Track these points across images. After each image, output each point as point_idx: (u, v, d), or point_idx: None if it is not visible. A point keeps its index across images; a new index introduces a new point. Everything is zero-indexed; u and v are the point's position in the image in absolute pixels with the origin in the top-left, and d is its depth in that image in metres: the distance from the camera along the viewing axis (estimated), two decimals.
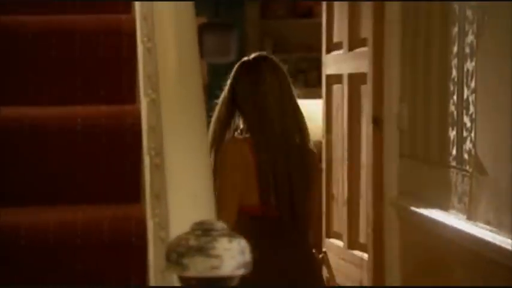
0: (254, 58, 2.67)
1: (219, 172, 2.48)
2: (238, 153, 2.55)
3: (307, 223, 2.65)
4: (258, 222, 2.54)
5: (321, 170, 2.91)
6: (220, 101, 2.67)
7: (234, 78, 2.65)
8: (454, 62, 2.44)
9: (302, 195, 2.57)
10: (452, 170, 2.45)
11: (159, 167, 1.59)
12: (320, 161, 3.02)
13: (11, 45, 2.18)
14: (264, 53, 2.73)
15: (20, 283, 1.74)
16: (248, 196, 2.53)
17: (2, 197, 1.95)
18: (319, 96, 4.06)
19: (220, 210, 1.96)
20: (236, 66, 2.69)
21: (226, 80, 2.70)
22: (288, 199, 2.53)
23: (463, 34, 2.38)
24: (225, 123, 2.63)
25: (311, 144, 2.67)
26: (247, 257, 1.17)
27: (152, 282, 1.59)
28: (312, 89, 5.71)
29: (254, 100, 2.59)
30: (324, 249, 3.59)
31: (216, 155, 2.55)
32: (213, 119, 2.65)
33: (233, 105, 2.64)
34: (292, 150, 2.59)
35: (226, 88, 2.67)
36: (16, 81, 2.15)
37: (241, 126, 2.65)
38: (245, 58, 2.70)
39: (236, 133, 2.66)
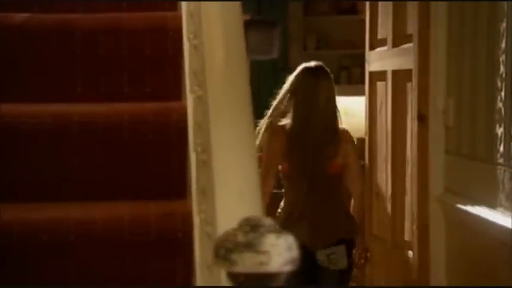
0: (315, 66, 3.51)
1: (266, 147, 3.42)
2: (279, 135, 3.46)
3: (335, 183, 3.39)
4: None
5: (353, 145, 3.50)
6: (282, 93, 3.48)
7: (296, 77, 3.47)
8: (502, 57, 2.40)
9: (323, 160, 3.37)
10: (499, 167, 2.41)
11: (205, 163, 1.60)
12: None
13: (58, 43, 2.21)
14: (320, 62, 3.54)
15: (69, 277, 1.77)
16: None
17: (50, 192, 1.98)
18: (362, 93, 4.03)
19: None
20: (299, 69, 3.51)
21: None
22: (312, 162, 3.38)
23: (511, 30, 2.34)
24: (280, 111, 3.46)
25: (343, 128, 3.47)
26: (295, 253, 1.16)
27: (198, 278, 1.60)
28: (355, 85, 5.67)
29: (310, 95, 3.39)
30: (367, 247, 3.57)
31: (266, 134, 3.44)
32: (273, 106, 3.48)
33: (291, 98, 3.44)
34: (328, 132, 3.41)
35: (289, 84, 3.48)
36: (64, 79, 2.18)
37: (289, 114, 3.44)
38: (307, 64, 3.52)
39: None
